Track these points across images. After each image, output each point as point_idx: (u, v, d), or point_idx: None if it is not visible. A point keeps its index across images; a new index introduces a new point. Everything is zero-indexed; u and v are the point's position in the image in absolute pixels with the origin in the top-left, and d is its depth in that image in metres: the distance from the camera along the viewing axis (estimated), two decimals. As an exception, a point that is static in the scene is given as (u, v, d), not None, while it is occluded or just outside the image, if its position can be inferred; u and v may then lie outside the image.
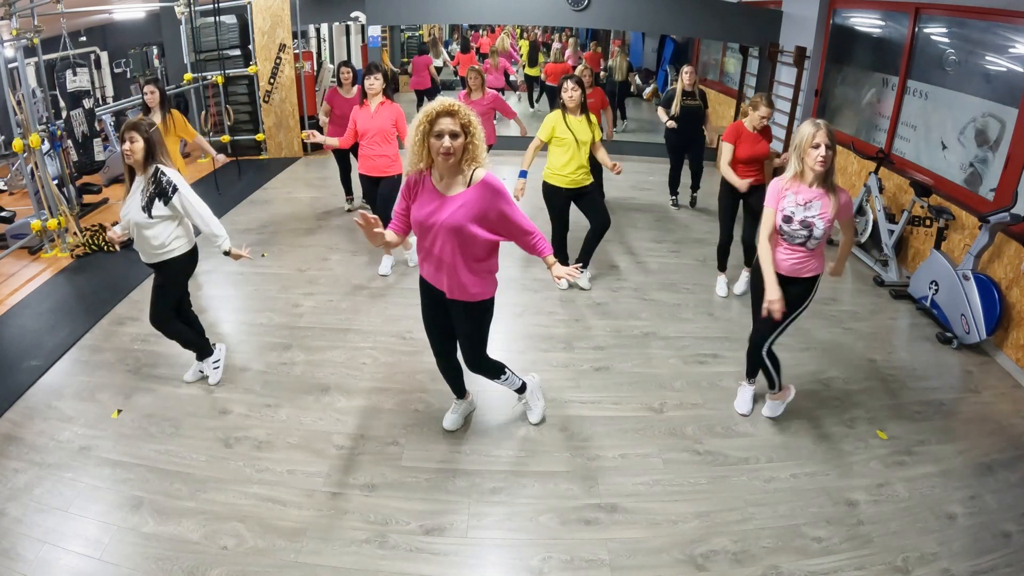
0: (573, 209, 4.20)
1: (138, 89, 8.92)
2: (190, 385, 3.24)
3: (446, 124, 2.19)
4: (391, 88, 4.33)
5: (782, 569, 2.27)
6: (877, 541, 2.40)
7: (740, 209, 4.21)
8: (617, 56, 9.44)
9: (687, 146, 5.91)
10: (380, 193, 4.32)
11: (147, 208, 2.80)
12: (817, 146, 2.56)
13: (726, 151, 4.01)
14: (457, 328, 2.61)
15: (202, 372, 3.26)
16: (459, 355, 2.74)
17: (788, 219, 2.65)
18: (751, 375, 3.15)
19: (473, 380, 3.09)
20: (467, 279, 2.41)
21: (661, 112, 5.77)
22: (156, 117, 4.33)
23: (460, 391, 2.93)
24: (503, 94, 10.07)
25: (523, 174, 4.01)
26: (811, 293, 2.80)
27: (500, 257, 2.53)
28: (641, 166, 7.60)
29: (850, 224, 2.81)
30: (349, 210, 5.88)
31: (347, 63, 5.50)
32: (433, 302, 2.57)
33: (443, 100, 2.23)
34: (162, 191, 2.82)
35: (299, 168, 7.41)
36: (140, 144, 2.77)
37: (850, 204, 2.68)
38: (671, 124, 5.65)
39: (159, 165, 2.84)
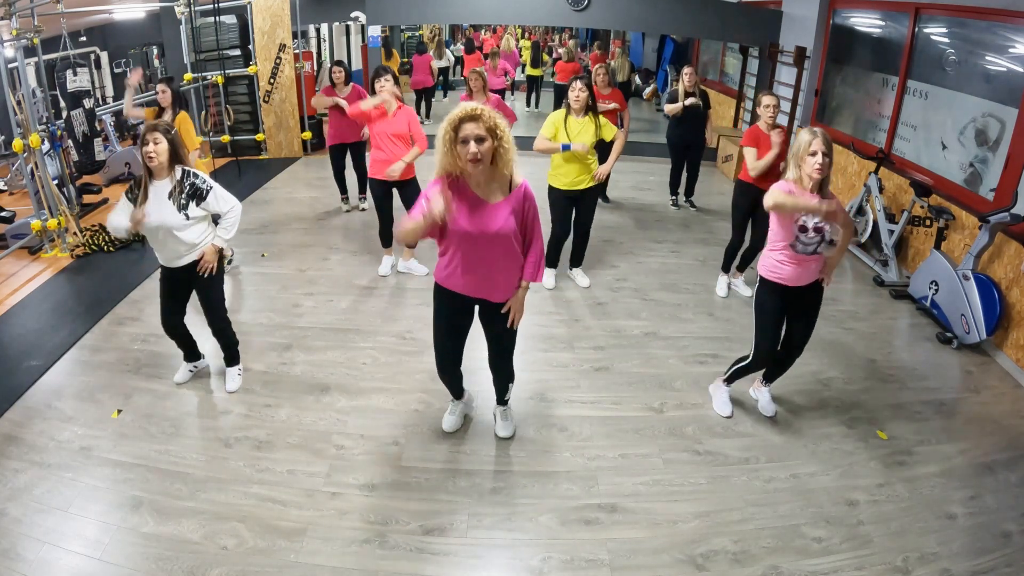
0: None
1: (139, 88, 8.95)
2: (190, 385, 3.24)
3: (470, 129, 2.15)
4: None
5: (782, 569, 2.27)
6: (877, 541, 2.40)
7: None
8: (619, 56, 9.45)
9: (689, 146, 5.91)
10: (408, 200, 4.24)
11: (183, 209, 2.77)
12: (814, 153, 2.56)
13: (750, 155, 4.00)
14: (494, 331, 2.60)
15: (191, 372, 3.27)
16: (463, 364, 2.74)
17: (804, 228, 2.63)
18: (730, 381, 3.14)
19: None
20: (511, 278, 2.44)
21: (669, 107, 5.75)
22: (166, 117, 4.23)
23: (459, 392, 2.93)
24: (504, 95, 10.06)
25: (566, 147, 3.90)
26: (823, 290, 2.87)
27: None
28: (641, 166, 7.60)
29: (850, 223, 2.81)
30: (347, 210, 5.86)
31: (339, 63, 5.45)
32: (462, 312, 2.55)
33: (466, 105, 2.19)
34: (196, 191, 2.79)
35: (299, 168, 7.41)
36: (164, 145, 2.71)
37: (843, 209, 2.70)
38: (688, 102, 5.57)
39: (186, 167, 2.81)
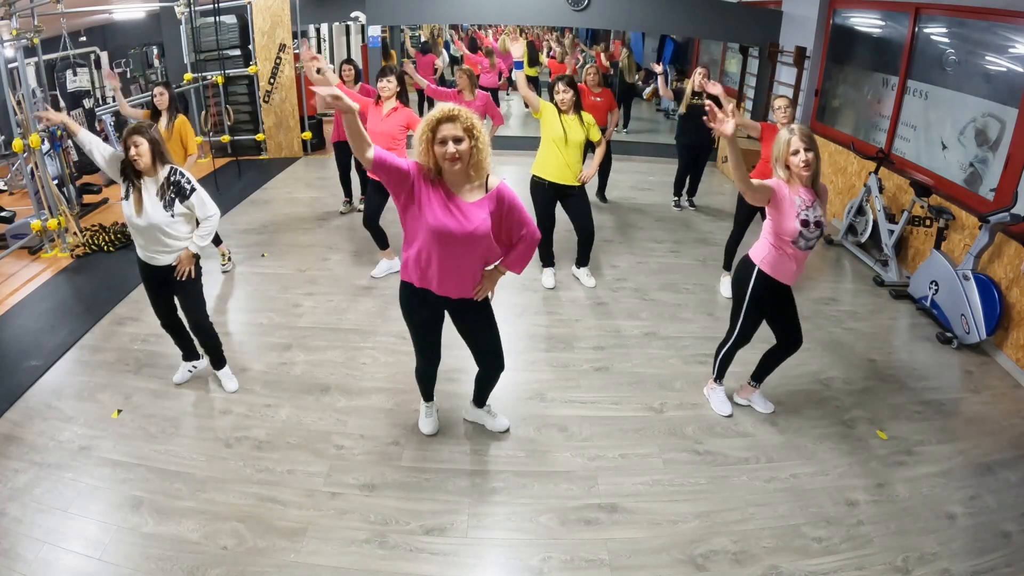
0: (561, 214, 4.21)
1: (138, 89, 8.95)
2: (190, 385, 3.24)
3: (448, 130, 2.18)
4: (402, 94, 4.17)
5: (782, 569, 2.27)
6: (877, 541, 2.40)
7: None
8: (624, 57, 9.39)
9: (699, 148, 5.90)
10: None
11: (169, 207, 2.80)
12: (796, 152, 2.55)
13: (755, 133, 4.27)
14: (475, 328, 2.59)
15: (191, 372, 3.28)
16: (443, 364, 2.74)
17: (806, 223, 2.62)
18: (720, 376, 3.14)
19: (471, 380, 3.09)
20: (478, 278, 2.45)
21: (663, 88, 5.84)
22: (163, 120, 4.19)
23: (431, 394, 2.92)
24: (498, 94, 10.05)
25: (518, 64, 3.95)
26: None
27: None
28: (641, 166, 7.60)
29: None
30: (343, 212, 5.84)
31: (349, 60, 5.45)
32: (435, 312, 2.54)
33: (443, 106, 2.21)
34: (180, 189, 2.82)
35: (299, 168, 7.41)
36: (146, 146, 2.74)
37: (826, 189, 2.75)
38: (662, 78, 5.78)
39: (173, 165, 2.84)
